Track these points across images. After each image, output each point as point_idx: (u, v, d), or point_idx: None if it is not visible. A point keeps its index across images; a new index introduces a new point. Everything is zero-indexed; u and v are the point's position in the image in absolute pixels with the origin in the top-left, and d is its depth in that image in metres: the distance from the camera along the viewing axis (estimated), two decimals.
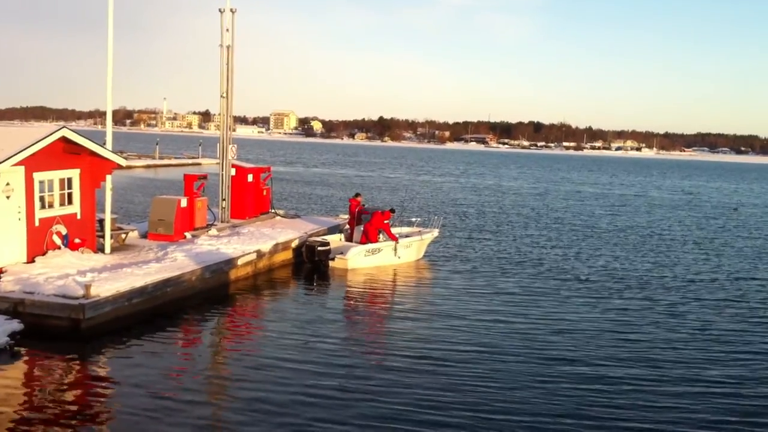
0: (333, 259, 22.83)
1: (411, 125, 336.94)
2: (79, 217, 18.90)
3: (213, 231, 23.19)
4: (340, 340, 15.60)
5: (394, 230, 24.53)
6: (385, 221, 23.85)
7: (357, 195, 25.68)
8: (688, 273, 25.12)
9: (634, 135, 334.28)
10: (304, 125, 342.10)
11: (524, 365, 14.12)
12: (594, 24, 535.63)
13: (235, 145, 26.48)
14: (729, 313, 19.34)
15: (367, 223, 23.95)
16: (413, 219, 27.47)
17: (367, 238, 23.72)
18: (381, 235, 23.99)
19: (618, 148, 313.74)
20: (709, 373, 14.10)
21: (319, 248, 22.92)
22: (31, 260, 17.16)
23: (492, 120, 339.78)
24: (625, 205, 54.38)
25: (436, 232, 26.17)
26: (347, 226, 25.53)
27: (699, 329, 17.46)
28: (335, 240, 24.24)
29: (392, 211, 24.78)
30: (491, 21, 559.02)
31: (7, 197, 16.72)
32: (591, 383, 13.18)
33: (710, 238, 35.78)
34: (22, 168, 16.90)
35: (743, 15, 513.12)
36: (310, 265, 22.86)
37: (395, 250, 23.62)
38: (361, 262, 23.00)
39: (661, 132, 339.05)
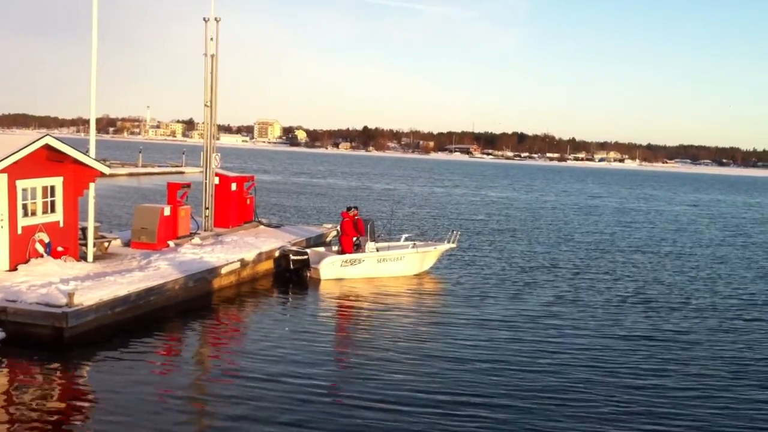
0: (311, 269, 22.85)
1: (395, 135, 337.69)
2: (61, 225, 18.87)
3: (196, 240, 23.16)
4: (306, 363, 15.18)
5: (386, 244, 24.40)
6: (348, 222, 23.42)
7: (348, 209, 24.01)
8: (716, 297, 23.24)
9: (617, 146, 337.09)
10: (289, 134, 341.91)
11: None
12: (577, 35, 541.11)
13: (219, 154, 26.49)
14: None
15: (342, 234, 23.66)
16: (405, 234, 26.44)
17: (343, 250, 23.47)
18: (368, 245, 23.70)
19: (601, 160, 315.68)
20: None
21: (293, 257, 22.92)
22: (13, 268, 17.11)
23: (476, 130, 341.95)
24: (635, 222, 50.56)
25: (444, 247, 25.07)
26: (331, 237, 25.32)
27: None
28: (317, 250, 24.12)
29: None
30: (475, 31, 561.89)
31: None
32: None
33: (738, 256, 34.03)
34: (5, 176, 16.88)
35: (725, 27, 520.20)
36: (288, 274, 22.86)
37: (378, 261, 23.47)
38: (338, 272, 22.70)
39: (644, 144, 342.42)
